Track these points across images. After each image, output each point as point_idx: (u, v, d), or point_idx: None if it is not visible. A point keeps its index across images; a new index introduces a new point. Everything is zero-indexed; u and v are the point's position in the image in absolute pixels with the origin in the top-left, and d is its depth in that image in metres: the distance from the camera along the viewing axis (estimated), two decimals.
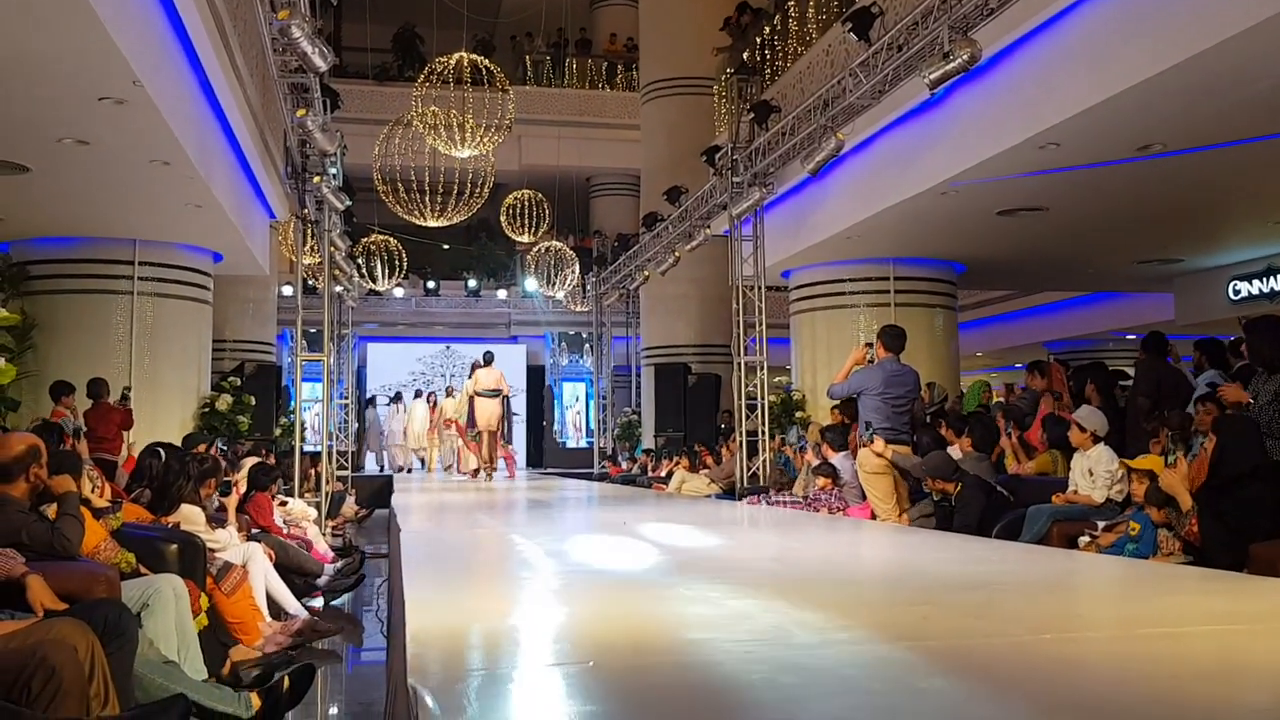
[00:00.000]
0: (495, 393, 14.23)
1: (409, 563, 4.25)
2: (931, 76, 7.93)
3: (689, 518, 7.64)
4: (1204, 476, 5.26)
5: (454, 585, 3.95)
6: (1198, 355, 8.25)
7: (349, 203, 12.11)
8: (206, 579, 5.70)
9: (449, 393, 18.50)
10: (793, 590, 3.90)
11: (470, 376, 14.64)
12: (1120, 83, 7.32)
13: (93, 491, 5.82)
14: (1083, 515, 6.49)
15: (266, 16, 8.06)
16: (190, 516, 6.32)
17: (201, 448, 10.33)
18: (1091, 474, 6.67)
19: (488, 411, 14.15)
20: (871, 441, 7.58)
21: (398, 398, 20.89)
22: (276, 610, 6.52)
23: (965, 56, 7.64)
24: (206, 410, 12.61)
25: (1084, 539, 6.14)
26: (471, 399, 14.34)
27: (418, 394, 20.38)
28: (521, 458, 22.67)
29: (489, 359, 14.61)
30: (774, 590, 3.92)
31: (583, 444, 22.84)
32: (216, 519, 6.67)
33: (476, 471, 14.57)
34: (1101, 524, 6.23)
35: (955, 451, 8.34)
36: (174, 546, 5.56)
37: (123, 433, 9.85)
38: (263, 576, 6.43)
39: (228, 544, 6.43)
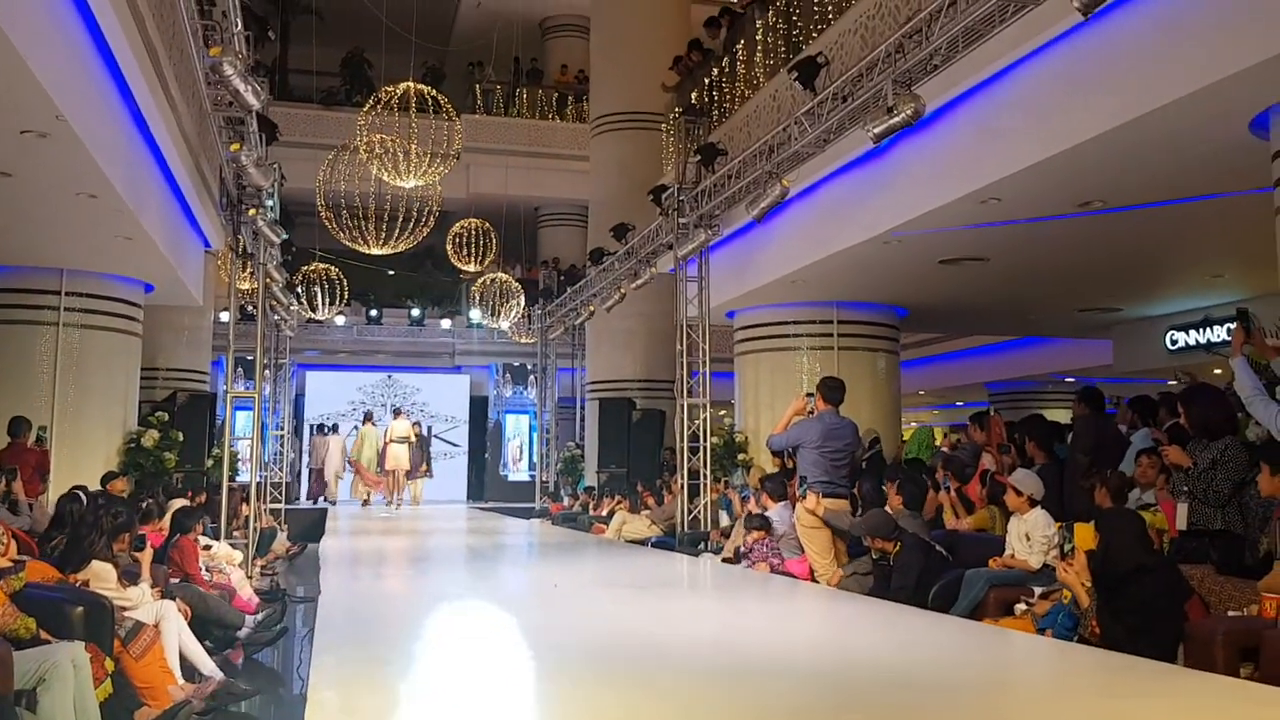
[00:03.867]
0: (404, 440, 18.44)
1: (320, 648, 4.04)
2: (875, 130, 7.91)
3: (625, 579, 7.47)
4: (1086, 576, 5.21)
5: (364, 675, 3.75)
6: (1130, 414, 8.27)
7: (284, 236, 11.85)
8: (114, 642, 5.45)
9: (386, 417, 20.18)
10: (716, 686, 3.74)
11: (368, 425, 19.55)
12: (1060, 142, 7.33)
13: None
14: (1019, 581, 6.43)
15: (200, 52, 7.84)
16: (101, 574, 6.05)
17: (119, 483, 10.03)
18: (1028, 538, 6.63)
19: (397, 456, 18.45)
20: (805, 497, 7.49)
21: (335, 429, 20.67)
22: (190, 671, 6.25)
23: (909, 111, 7.63)
24: (132, 446, 12.23)
25: (1020, 606, 6.07)
26: (385, 445, 18.58)
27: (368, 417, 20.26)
28: (462, 489, 22.51)
29: (398, 413, 19.67)
30: (694, 685, 3.77)
31: (524, 476, 22.56)
32: (129, 575, 6.39)
33: (366, 502, 19.06)
34: (1038, 591, 6.17)
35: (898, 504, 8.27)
36: (80, 609, 5.30)
37: (38, 475, 9.48)
38: (176, 636, 6.16)
39: (139, 602, 6.15)
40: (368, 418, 19.95)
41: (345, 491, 20.16)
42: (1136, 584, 5.11)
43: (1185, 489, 5.98)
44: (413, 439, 18.53)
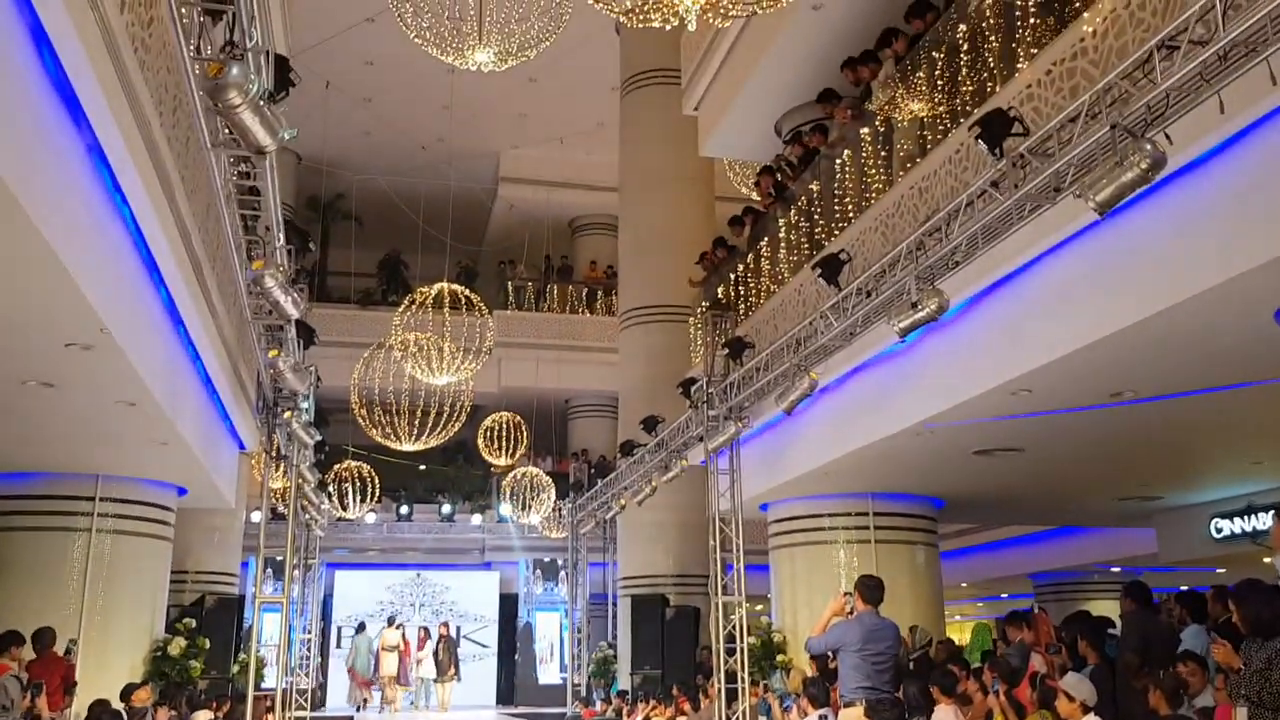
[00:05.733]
0: (394, 649, 20.21)
1: None
2: (901, 325, 7.96)
3: None
4: None
5: None
6: (1179, 609, 7.99)
7: (318, 438, 11.96)
8: None
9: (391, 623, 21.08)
10: None
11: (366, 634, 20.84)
12: (1087, 335, 7.35)
13: None
14: None
15: (241, 263, 8.11)
16: None
17: (142, 694, 9.82)
18: None
19: (390, 663, 20.10)
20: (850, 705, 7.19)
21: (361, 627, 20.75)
22: None
23: (933, 306, 7.69)
24: (158, 654, 12.02)
25: None
26: (378, 654, 20.24)
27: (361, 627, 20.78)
28: (491, 693, 21.88)
29: (392, 621, 21.01)
30: None
31: (555, 679, 21.90)
32: None
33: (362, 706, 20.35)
34: None
35: (947, 713, 7.92)
36: None
37: (63, 689, 9.26)
38: None
39: None
40: (360, 628, 21.03)
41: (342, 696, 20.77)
42: None
43: (1242, 692, 5.69)
44: (402, 646, 20.27)
